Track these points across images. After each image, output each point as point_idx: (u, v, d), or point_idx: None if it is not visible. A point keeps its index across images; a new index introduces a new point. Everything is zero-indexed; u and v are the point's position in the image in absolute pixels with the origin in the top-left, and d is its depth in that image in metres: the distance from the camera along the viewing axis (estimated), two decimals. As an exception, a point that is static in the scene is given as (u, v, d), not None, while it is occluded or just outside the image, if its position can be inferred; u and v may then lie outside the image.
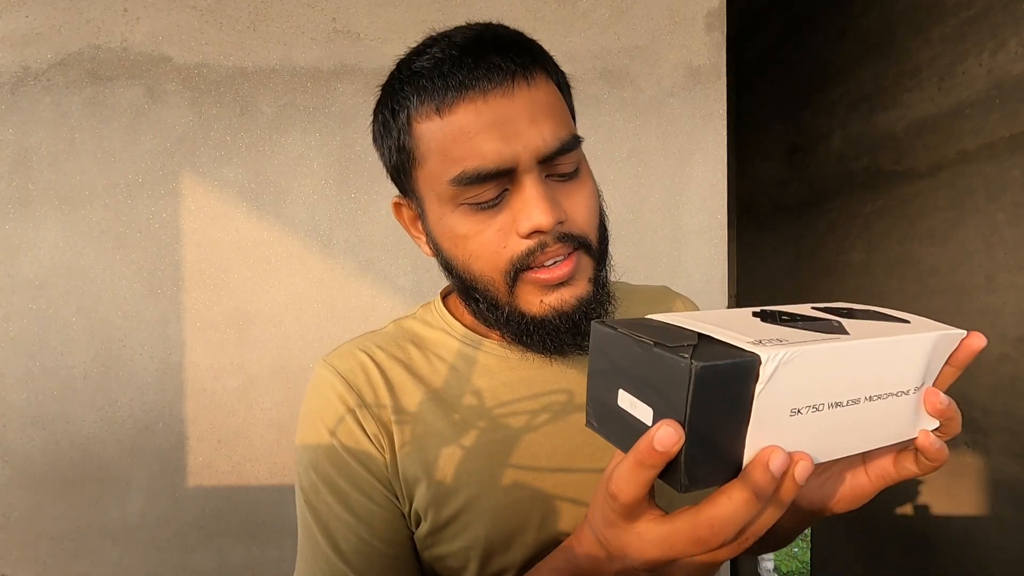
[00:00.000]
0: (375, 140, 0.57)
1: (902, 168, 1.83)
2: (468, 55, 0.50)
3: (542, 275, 0.51)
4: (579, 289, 0.53)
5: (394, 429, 0.56)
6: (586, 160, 0.57)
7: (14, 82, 1.32)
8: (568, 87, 0.58)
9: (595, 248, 0.54)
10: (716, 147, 1.37)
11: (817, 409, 0.34)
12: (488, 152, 0.49)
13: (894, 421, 0.38)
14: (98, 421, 1.34)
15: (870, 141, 1.99)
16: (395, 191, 0.60)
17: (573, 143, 0.52)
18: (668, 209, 1.37)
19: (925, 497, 1.76)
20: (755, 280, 3.05)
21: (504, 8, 1.36)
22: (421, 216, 0.57)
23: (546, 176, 0.52)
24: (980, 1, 1.51)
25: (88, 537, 1.35)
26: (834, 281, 2.24)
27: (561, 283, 0.52)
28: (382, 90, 0.56)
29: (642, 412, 0.34)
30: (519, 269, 0.51)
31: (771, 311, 0.39)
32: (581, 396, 0.59)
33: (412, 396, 0.58)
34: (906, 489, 1.85)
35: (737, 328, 0.34)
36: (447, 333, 0.61)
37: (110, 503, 1.35)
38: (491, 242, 0.51)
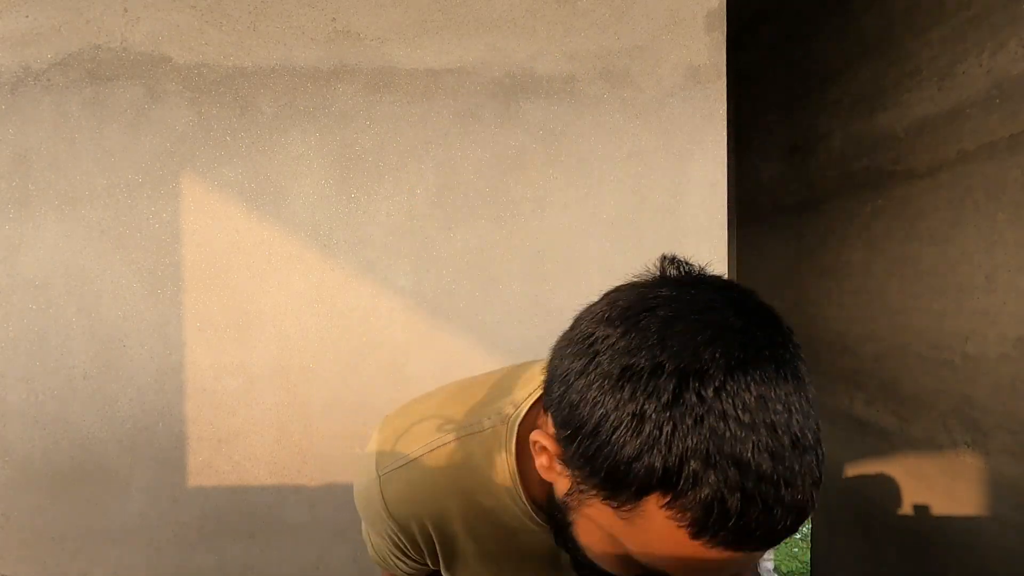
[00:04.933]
0: (604, 424, 0.41)
1: (902, 168, 1.83)
2: (769, 527, 0.39)
3: None
4: None
5: (435, 557, 0.65)
6: None
7: (14, 82, 1.32)
8: None
9: None
10: (716, 147, 1.37)
11: None
12: None
13: None
14: (98, 421, 1.34)
15: (870, 141, 1.99)
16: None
17: None
18: (668, 209, 1.37)
19: (925, 497, 1.76)
20: (755, 280, 3.05)
21: (504, 8, 1.36)
22: (572, 490, 0.47)
23: None
24: (980, 1, 1.51)
25: (88, 537, 1.35)
26: (834, 281, 2.24)
27: None
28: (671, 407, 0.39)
29: None
30: None
31: None
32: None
33: (457, 545, 0.64)
34: (906, 489, 1.85)
35: None
36: (513, 500, 0.59)
37: (110, 503, 1.35)
38: (621, 567, 0.48)
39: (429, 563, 0.68)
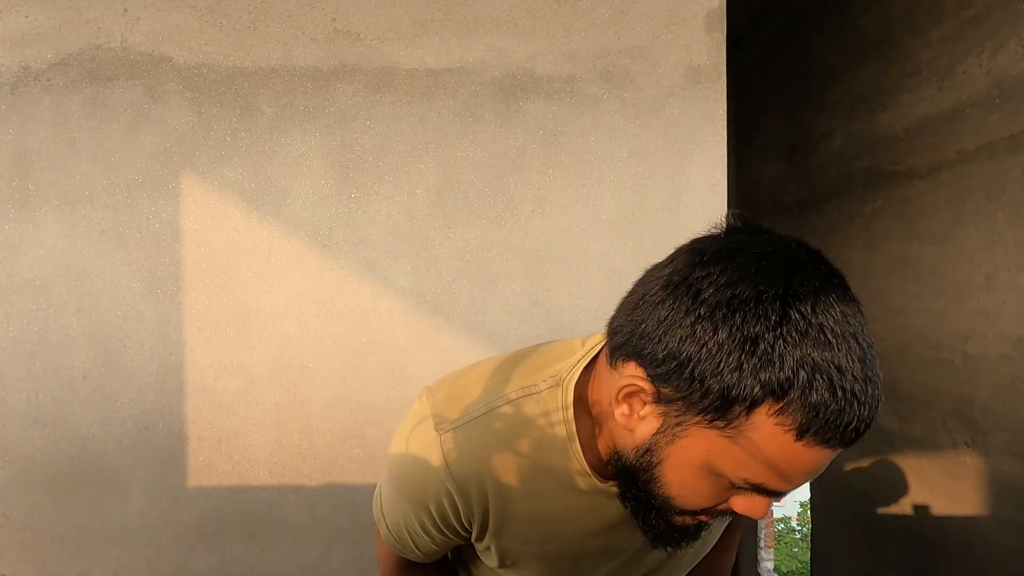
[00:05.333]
0: (718, 350, 0.46)
1: (902, 168, 1.83)
2: (858, 424, 0.46)
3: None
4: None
5: (485, 521, 0.65)
6: None
7: (14, 82, 1.32)
8: None
9: None
10: (716, 147, 1.37)
11: None
12: (790, 485, 0.49)
13: None
14: (98, 421, 1.34)
15: (870, 141, 1.99)
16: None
17: None
18: (668, 209, 1.37)
19: (925, 497, 1.76)
20: (755, 280, 3.04)
21: (504, 8, 1.36)
22: (664, 428, 0.51)
23: None
24: (980, 1, 1.51)
25: (88, 537, 1.35)
26: (834, 281, 2.24)
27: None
28: (777, 334, 0.45)
29: None
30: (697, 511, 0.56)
31: None
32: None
33: (510, 506, 0.64)
34: (906, 489, 1.86)
35: None
36: (568, 458, 0.61)
37: (110, 503, 1.35)
38: (705, 497, 0.53)
39: (473, 533, 0.66)
